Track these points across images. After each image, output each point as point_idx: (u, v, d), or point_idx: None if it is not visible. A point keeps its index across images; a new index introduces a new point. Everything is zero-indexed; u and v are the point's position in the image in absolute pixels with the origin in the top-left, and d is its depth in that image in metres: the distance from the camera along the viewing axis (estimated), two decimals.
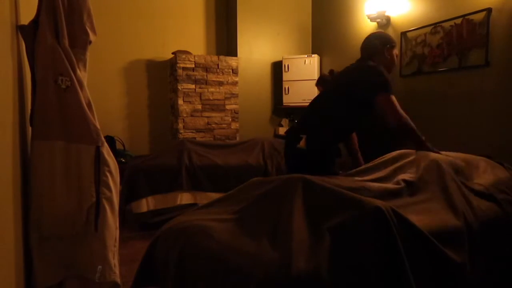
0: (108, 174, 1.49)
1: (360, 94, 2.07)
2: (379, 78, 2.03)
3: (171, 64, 4.58)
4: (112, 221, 1.50)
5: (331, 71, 3.65)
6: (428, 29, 3.39)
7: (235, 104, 4.68)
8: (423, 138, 2.03)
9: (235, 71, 4.64)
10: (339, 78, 2.35)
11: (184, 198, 3.18)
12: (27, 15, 1.49)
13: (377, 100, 2.00)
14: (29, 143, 1.44)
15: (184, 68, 4.34)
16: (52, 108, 1.39)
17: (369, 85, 2.04)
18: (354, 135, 2.57)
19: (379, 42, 2.20)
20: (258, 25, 4.85)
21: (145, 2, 4.59)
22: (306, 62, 4.78)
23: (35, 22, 1.40)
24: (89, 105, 1.46)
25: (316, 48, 5.10)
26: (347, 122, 2.20)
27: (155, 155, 3.49)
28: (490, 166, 1.93)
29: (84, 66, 1.50)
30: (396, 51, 2.25)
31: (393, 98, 2.02)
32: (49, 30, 1.37)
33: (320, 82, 3.73)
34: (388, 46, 2.20)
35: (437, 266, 1.25)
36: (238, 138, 4.66)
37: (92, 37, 1.50)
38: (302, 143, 2.13)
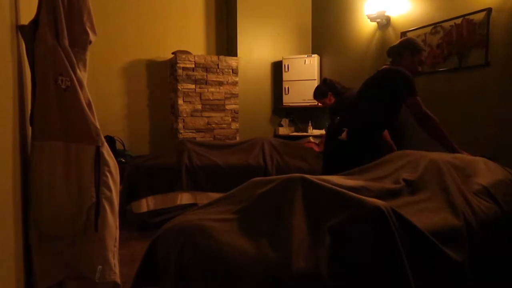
0: (108, 174, 1.49)
1: (388, 93, 2.45)
2: (404, 81, 2.39)
3: (171, 64, 4.58)
4: (112, 221, 1.50)
5: (325, 80, 3.66)
6: (428, 29, 3.39)
7: (235, 104, 4.68)
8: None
9: (235, 71, 4.64)
10: (371, 80, 2.67)
11: (184, 198, 3.17)
12: (27, 15, 1.49)
13: (407, 101, 2.39)
14: (29, 143, 1.44)
15: (184, 68, 4.34)
16: (52, 108, 1.39)
17: (396, 88, 2.43)
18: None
19: (405, 44, 2.54)
20: (258, 25, 4.85)
21: (145, 2, 4.59)
22: (306, 62, 4.78)
23: (35, 22, 1.40)
24: (89, 105, 1.46)
25: (316, 48, 5.10)
26: (378, 117, 2.54)
27: (155, 155, 3.49)
28: (489, 166, 1.93)
29: (84, 66, 1.50)
30: (420, 56, 2.51)
31: (418, 99, 2.38)
32: (49, 30, 1.37)
33: (318, 95, 3.71)
34: (408, 51, 2.49)
35: (436, 266, 1.25)
36: (238, 138, 4.66)
37: (92, 37, 1.50)
38: (343, 135, 2.54)
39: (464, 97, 3.11)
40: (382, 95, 2.47)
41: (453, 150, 2.26)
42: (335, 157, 2.64)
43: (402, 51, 2.51)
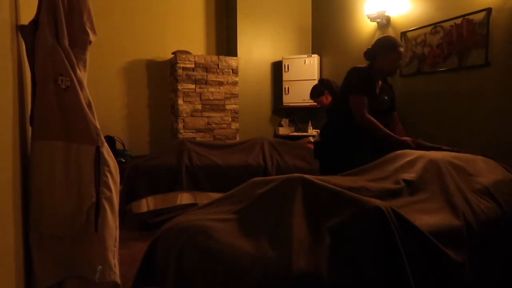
0: (108, 174, 1.48)
1: (342, 93, 2.53)
2: (349, 81, 2.47)
3: (171, 64, 4.58)
4: (112, 221, 1.50)
5: (322, 80, 3.68)
6: (428, 29, 3.39)
7: (235, 104, 4.68)
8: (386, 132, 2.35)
9: (235, 71, 4.64)
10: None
11: (184, 198, 3.17)
12: (27, 15, 1.49)
13: (349, 100, 2.41)
14: (29, 143, 1.44)
15: (184, 68, 4.34)
16: (52, 108, 1.39)
17: (343, 86, 2.54)
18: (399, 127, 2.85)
19: (376, 47, 2.48)
20: (258, 25, 4.85)
21: (145, 2, 4.59)
22: (306, 62, 4.78)
23: (35, 22, 1.40)
24: (89, 105, 1.46)
25: (316, 48, 5.10)
26: (338, 117, 2.59)
27: (155, 155, 3.49)
28: (489, 166, 1.93)
29: (84, 66, 1.50)
30: (395, 55, 2.42)
31: (358, 98, 2.37)
32: (49, 30, 1.37)
33: (315, 94, 3.72)
34: (380, 53, 2.44)
35: (436, 266, 1.25)
36: (238, 138, 4.66)
37: (92, 37, 1.50)
38: (316, 137, 2.58)
39: (464, 97, 3.11)
40: (341, 95, 2.58)
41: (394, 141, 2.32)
42: (323, 158, 2.67)
43: (375, 53, 2.46)
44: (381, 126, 2.35)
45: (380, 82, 2.56)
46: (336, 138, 2.55)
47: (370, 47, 2.52)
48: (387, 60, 2.42)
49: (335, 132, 2.58)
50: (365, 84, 2.41)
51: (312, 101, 4.13)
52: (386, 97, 2.58)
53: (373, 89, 2.48)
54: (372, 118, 2.36)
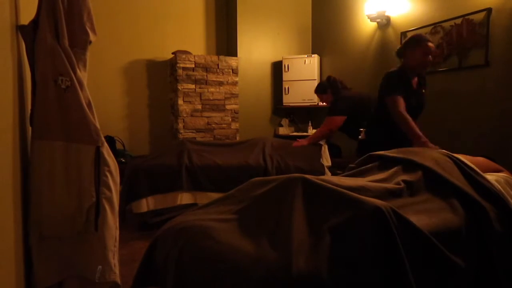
0: (108, 174, 1.48)
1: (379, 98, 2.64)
2: (382, 85, 2.59)
3: (171, 64, 4.58)
4: (112, 221, 1.50)
5: (329, 78, 3.68)
6: (428, 29, 3.39)
7: (235, 104, 4.68)
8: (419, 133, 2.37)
9: (235, 71, 4.64)
10: None
11: (184, 198, 3.17)
12: (27, 15, 1.49)
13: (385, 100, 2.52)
14: (29, 143, 1.44)
15: (184, 68, 4.34)
16: (52, 108, 1.39)
17: (379, 92, 2.64)
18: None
19: (405, 43, 2.60)
20: (258, 25, 4.85)
21: (145, 2, 4.59)
22: (306, 62, 4.78)
23: (35, 22, 1.40)
24: (89, 105, 1.46)
25: (316, 48, 5.10)
26: (376, 118, 2.74)
27: (155, 155, 3.49)
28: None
29: (84, 66, 1.50)
30: (421, 49, 2.46)
31: (391, 98, 2.47)
32: (49, 30, 1.37)
33: (318, 90, 3.73)
34: (407, 48, 2.53)
35: (437, 266, 1.25)
36: (238, 138, 4.66)
37: (92, 37, 1.50)
38: (362, 135, 2.79)
39: (464, 97, 3.11)
40: (379, 100, 2.67)
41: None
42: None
43: (403, 50, 2.58)
44: (413, 126, 2.40)
45: (416, 79, 2.61)
46: (382, 138, 2.62)
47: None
48: (415, 55, 2.49)
49: (380, 133, 2.68)
50: (396, 84, 2.50)
51: (312, 100, 4.15)
52: (424, 91, 2.66)
53: (408, 85, 2.54)
54: (407, 116, 2.41)
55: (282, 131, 4.96)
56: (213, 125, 4.57)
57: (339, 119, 3.44)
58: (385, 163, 1.80)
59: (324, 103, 4.02)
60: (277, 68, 4.98)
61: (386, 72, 2.64)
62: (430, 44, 2.47)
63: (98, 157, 1.45)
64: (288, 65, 4.83)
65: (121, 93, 4.55)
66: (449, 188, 1.55)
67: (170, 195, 3.13)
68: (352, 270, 1.09)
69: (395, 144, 2.40)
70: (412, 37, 2.58)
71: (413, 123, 2.41)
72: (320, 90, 3.73)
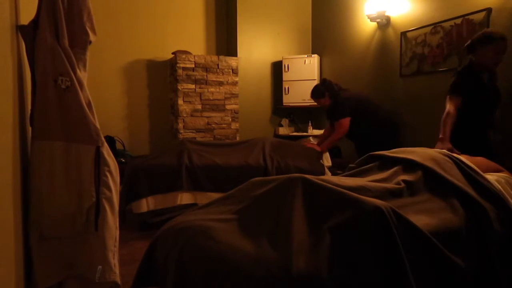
0: (108, 174, 1.48)
1: None
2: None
3: (171, 64, 4.58)
4: (112, 221, 1.50)
5: (324, 81, 3.69)
6: (428, 29, 3.39)
7: (235, 104, 4.68)
8: None
9: (235, 71, 4.64)
10: None
11: (184, 198, 3.17)
12: (27, 15, 1.49)
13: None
14: (29, 143, 1.44)
15: (184, 68, 4.34)
16: (52, 108, 1.39)
17: None
18: None
19: (475, 38, 2.51)
20: (258, 25, 4.85)
21: (145, 2, 4.59)
22: (306, 62, 4.78)
23: (35, 22, 1.40)
24: (89, 105, 1.46)
25: (316, 48, 5.10)
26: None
27: (155, 155, 3.49)
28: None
29: (84, 66, 1.50)
30: (491, 47, 2.42)
31: (448, 98, 2.53)
32: (49, 30, 1.37)
33: (315, 95, 3.73)
34: (478, 44, 2.48)
35: (437, 266, 1.25)
36: (238, 138, 4.66)
37: (92, 37, 1.50)
38: None
39: None
40: None
41: None
42: None
43: (475, 46, 2.51)
44: (446, 123, 2.44)
45: (487, 74, 2.57)
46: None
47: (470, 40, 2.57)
48: (485, 51, 2.45)
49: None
50: (458, 83, 2.52)
51: (312, 101, 4.14)
52: (497, 85, 2.62)
53: (478, 81, 2.51)
54: (451, 113, 2.46)
55: (282, 131, 4.96)
56: (213, 125, 4.57)
57: (347, 121, 3.49)
58: (385, 163, 1.80)
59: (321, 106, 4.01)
60: (277, 68, 4.98)
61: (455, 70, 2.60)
62: (503, 41, 2.40)
63: (98, 157, 1.45)
64: (288, 65, 4.83)
65: (121, 93, 4.55)
66: (449, 188, 1.55)
67: (170, 195, 3.13)
68: (352, 270, 1.09)
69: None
70: (484, 34, 2.49)
71: (447, 124, 2.44)
72: (317, 94, 3.71)
